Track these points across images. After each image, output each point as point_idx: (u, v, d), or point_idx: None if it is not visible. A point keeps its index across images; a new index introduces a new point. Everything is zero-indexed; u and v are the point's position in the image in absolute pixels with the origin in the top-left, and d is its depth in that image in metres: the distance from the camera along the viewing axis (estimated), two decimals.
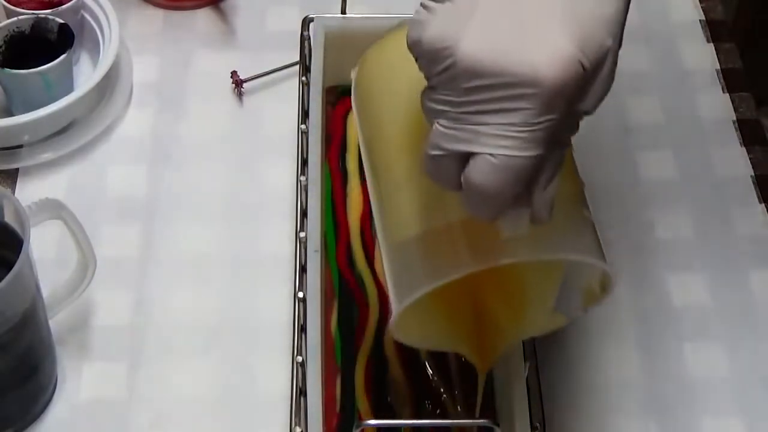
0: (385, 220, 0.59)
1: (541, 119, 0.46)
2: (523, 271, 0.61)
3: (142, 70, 0.89)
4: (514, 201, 0.49)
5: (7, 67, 0.81)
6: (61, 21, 0.83)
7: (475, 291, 0.62)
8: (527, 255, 0.53)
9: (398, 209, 0.58)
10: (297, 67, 0.83)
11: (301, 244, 0.70)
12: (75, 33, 0.84)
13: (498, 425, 0.61)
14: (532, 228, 0.51)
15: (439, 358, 0.70)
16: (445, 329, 0.63)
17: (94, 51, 0.88)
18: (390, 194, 0.59)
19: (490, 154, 0.47)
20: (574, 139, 0.59)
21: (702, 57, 0.93)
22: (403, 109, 0.57)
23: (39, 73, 0.81)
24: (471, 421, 0.68)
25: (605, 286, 0.58)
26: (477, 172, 0.47)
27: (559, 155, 0.49)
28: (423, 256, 0.55)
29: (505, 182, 0.47)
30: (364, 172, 0.78)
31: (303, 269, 0.69)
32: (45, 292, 0.68)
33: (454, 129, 0.47)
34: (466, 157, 0.48)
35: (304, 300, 0.67)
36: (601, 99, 0.49)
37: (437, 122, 0.48)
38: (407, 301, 0.54)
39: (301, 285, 0.68)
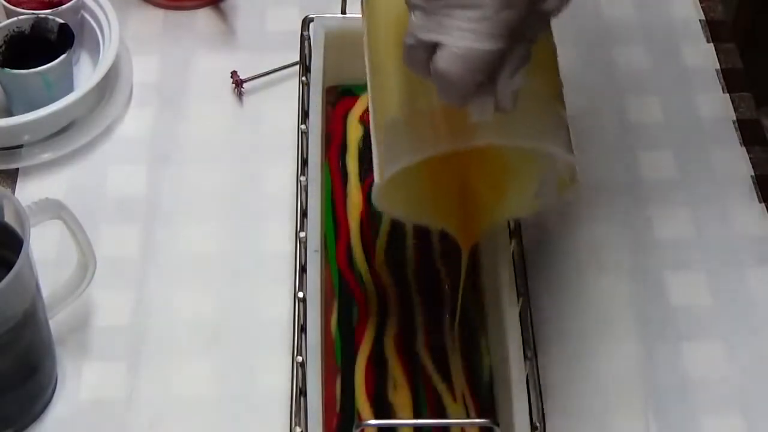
0: (377, 104, 0.64)
1: (500, 15, 0.51)
2: (504, 156, 0.66)
3: (142, 70, 0.89)
4: (478, 89, 0.53)
5: (7, 67, 0.81)
6: (61, 21, 0.83)
7: (461, 172, 0.67)
8: (496, 139, 0.59)
9: (389, 94, 0.63)
10: (297, 67, 0.83)
11: (301, 244, 0.70)
12: (75, 33, 0.84)
13: (498, 425, 0.61)
14: (505, 116, 0.56)
15: (439, 358, 0.70)
16: (431, 205, 0.68)
17: (94, 51, 0.88)
18: (382, 82, 0.64)
19: (454, 45, 0.52)
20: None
21: (702, 57, 0.93)
22: (401, 5, 0.61)
23: (39, 73, 0.81)
24: (471, 420, 0.68)
25: (572, 177, 0.63)
26: (442, 61, 0.52)
27: (524, 50, 0.54)
28: (406, 135, 0.61)
29: (466, 71, 0.52)
30: (363, 172, 0.78)
31: (303, 269, 0.69)
32: (45, 292, 0.68)
33: (426, 21, 0.53)
34: (435, 48, 0.53)
35: (304, 300, 0.67)
36: (564, 0, 0.53)
37: (413, 14, 0.54)
38: (389, 172, 0.60)
39: (301, 285, 0.68)
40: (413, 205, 0.68)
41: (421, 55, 0.54)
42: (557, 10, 0.53)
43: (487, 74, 0.53)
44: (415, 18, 0.53)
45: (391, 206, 0.66)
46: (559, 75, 0.63)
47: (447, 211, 0.69)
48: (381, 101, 0.64)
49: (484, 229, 0.70)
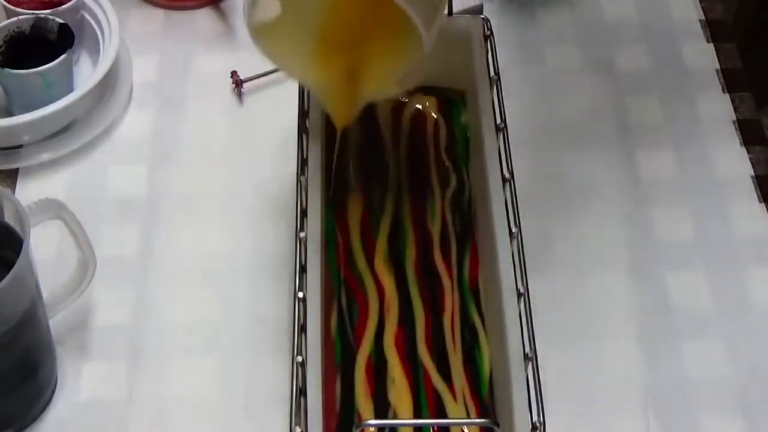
0: None
1: None
2: (390, 21, 0.68)
3: (142, 70, 0.89)
4: None
5: (7, 67, 0.81)
6: (61, 21, 0.83)
7: (357, 46, 0.71)
8: None
9: None
10: None
11: (301, 244, 0.70)
12: (75, 33, 0.84)
13: (498, 425, 0.61)
14: None
15: (439, 358, 0.70)
16: (316, 68, 0.72)
17: (94, 51, 0.88)
18: None
19: None
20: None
21: (702, 57, 0.93)
22: None
23: (39, 73, 0.81)
24: (471, 420, 0.68)
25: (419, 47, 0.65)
26: None
27: None
28: None
29: None
30: (363, 171, 0.78)
31: (303, 269, 0.69)
32: (45, 292, 0.68)
33: None
34: None
35: (304, 300, 0.67)
36: None
37: None
38: None
39: (301, 285, 0.68)
40: (297, 57, 0.72)
41: None
42: None
43: None
44: None
45: (273, 47, 0.71)
46: None
47: (328, 80, 0.72)
48: None
49: (357, 107, 0.73)
